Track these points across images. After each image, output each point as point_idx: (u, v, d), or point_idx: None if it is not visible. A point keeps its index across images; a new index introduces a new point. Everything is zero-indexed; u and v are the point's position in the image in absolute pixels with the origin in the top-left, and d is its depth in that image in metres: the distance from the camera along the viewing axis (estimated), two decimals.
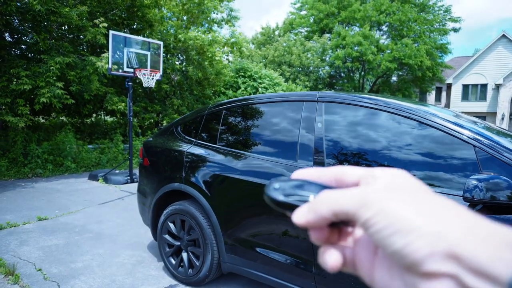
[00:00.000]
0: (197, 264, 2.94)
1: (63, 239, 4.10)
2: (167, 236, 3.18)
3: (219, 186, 2.82)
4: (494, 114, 29.22)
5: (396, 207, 0.29)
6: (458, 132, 1.98)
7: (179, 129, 3.40)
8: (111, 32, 7.17)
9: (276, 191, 0.36)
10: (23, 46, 9.43)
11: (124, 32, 10.97)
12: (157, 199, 3.23)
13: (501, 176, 1.67)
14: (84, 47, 10.53)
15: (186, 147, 3.17)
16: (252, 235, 2.62)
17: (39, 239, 4.09)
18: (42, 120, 12.31)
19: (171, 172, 3.16)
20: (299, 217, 0.34)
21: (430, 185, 1.98)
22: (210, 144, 3.05)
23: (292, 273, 2.42)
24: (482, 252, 0.25)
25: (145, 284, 3.07)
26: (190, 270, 3.02)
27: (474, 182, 1.66)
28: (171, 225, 3.14)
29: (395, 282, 0.31)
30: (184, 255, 3.07)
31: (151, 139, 3.63)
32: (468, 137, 1.95)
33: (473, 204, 1.75)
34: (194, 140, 3.19)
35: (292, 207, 0.35)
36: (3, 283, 3.04)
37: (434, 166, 2.02)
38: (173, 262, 3.15)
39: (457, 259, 0.26)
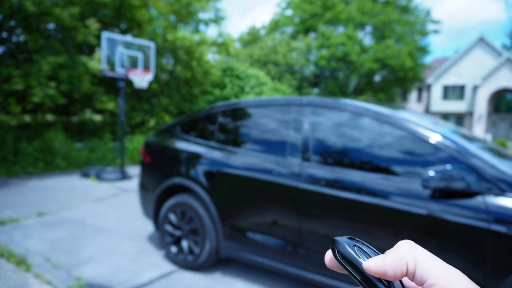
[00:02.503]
0: (197, 251, 3.26)
1: (66, 232, 4.35)
2: (168, 227, 3.49)
3: (217, 181, 3.15)
4: (472, 114, 30.35)
5: None
6: (423, 134, 2.37)
7: (179, 128, 3.70)
8: (104, 33, 7.37)
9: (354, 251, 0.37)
10: (12, 46, 9.50)
11: (113, 32, 11.11)
12: (159, 193, 3.53)
13: (453, 169, 2.06)
14: (71, 46, 10.64)
15: (186, 145, 3.48)
16: (248, 223, 2.96)
17: (42, 232, 4.33)
18: (28, 119, 12.35)
19: (172, 168, 3.47)
20: (373, 262, 0.35)
21: (397, 174, 2.37)
22: (208, 142, 3.37)
23: (283, 255, 2.77)
24: None
25: (148, 270, 3.37)
26: (189, 256, 3.34)
27: (432, 173, 2.04)
28: (172, 216, 3.44)
29: None
30: (184, 243, 3.39)
31: (152, 138, 3.92)
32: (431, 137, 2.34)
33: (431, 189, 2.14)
34: (193, 139, 3.50)
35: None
36: (16, 271, 3.29)
37: (403, 161, 2.41)
38: (174, 250, 3.46)
39: None
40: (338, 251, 0.38)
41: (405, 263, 0.34)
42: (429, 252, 0.35)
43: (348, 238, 0.39)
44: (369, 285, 0.36)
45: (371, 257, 0.37)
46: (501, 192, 2.04)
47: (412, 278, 0.34)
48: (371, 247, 0.38)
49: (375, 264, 0.35)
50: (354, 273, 0.37)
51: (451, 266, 0.34)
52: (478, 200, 2.07)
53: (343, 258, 0.37)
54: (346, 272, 0.38)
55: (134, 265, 3.48)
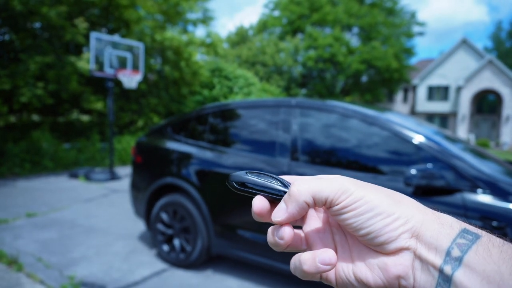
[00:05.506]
0: (188, 249, 3.33)
1: (56, 233, 4.36)
2: (160, 226, 3.55)
3: (208, 180, 3.23)
4: (455, 114, 31.02)
5: (374, 196, 0.36)
6: (407, 135, 2.50)
7: (170, 129, 3.77)
8: (92, 33, 7.35)
9: (245, 175, 0.42)
10: None
11: (101, 32, 11.05)
12: (151, 193, 3.59)
13: (434, 167, 2.19)
14: (58, 46, 10.54)
15: (177, 146, 3.55)
16: (238, 221, 3.05)
17: (32, 233, 4.33)
18: (14, 119, 12.16)
19: (163, 168, 3.53)
20: (280, 216, 0.39)
21: (383, 173, 2.49)
22: (199, 143, 3.45)
23: (272, 252, 2.87)
24: (431, 231, 0.34)
25: (140, 269, 3.42)
26: (181, 254, 3.40)
27: (414, 171, 2.17)
28: (164, 215, 3.51)
29: (368, 269, 0.36)
30: (176, 241, 3.45)
31: (144, 138, 3.97)
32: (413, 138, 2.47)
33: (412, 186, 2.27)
34: (184, 139, 3.57)
35: (256, 190, 0.41)
36: (7, 271, 3.31)
37: (388, 161, 2.54)
38: (166, 248, 3.52)
39: (417, 236, 0.34)
40: (235, 182, 0.42)
41: (304, 203, 0.37)
42: (314, 179, 0.38)
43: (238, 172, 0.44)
44: (270, 194, 0.41)
45: (263, 175, 0.42)
46: (479, 190, 2.17)
47: (315, 206, 0.38)
48: (261, 172, 0.43)
49: (281, 217, 0.38)
50: (256, 192, 0.41)
51: (335, 177, 0.38)
52: (456, 197, 2.20)
53: (241, 185, 0.42)
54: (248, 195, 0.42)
55: (127, 264, 3.53)
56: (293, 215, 0.38)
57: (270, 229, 0.40)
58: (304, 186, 0.37)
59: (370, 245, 0.36)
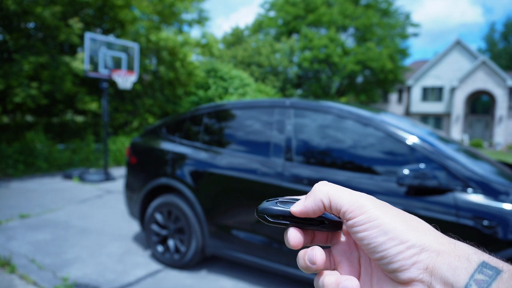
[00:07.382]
0: (183, 249, 3.33)
1: (50, 234, 4.33)
2: (154, 226, 3.54)
3: (203, 180, 3.23)
4: (449, 115, 31.24)
5: (390, 219, 0.35)
6: (401, 136, 2.52)
7: (164, 130, 3.76)
8: (87, 34, 7.32)
9: (273, 205, 0.42)
10: None
11: (95, 32, 11.00)
12: (145, 193, 3.58)
13: (426, 167, 2.21)
14: (52, 46, 10.48)
15: (171, 146, 3.55)
16: (233, 222, 3.06)
17: (25, 234, 4.30)
18: (7, 120, 12.07)
19: (158, 169, 3.53)
20: (296, 207, 0.40)
21: (376, 173, 2.51)
22: (194, 143, 3.45)
23: (267, 252, 2.88)
24: (447, 264, 0.31)
25: (135, 270, 3.42)
26: (176, 255, 3.40)
27: (406, 171, 2.19)
28: (159, 216, 3.50)
29: None
30: (171, 242, 3.45)
31: (138, 139, 3.96)
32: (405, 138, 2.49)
33: (405, 186, 2.29)
34: (179, 139, 3.57)
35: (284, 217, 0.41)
36: (0, 273, 3.28)
37: (383, 161, 2.55)
38: (160, 249, 3.52)
39: (432, 269, 0.32)
40: (267, 215, 0.42)
41: (321, 201, 0.38)
42: (340, 186, 0.39)
43: (267, 201, 0.43)
44: (304, 225, 0.41)
45: (293, 203, 0.42)
46: (470, 190, 2.20)
47: (331, 211, 0.39)
48: (291, 198, 0.43)
49: (297, 208, 0.40)
50: (288, 222, 0.41)
51: (358, 192, 0.38)
52: (448, 197, 2.22)
53: (273, 216, 0.41)
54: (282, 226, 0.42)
55: (121, 265, 3.52)
56: (308, 209, 0.39)
57: (300, 253, 0.40)
58: (326, 187, 0.39)
59: (385, 271, 0.35)
